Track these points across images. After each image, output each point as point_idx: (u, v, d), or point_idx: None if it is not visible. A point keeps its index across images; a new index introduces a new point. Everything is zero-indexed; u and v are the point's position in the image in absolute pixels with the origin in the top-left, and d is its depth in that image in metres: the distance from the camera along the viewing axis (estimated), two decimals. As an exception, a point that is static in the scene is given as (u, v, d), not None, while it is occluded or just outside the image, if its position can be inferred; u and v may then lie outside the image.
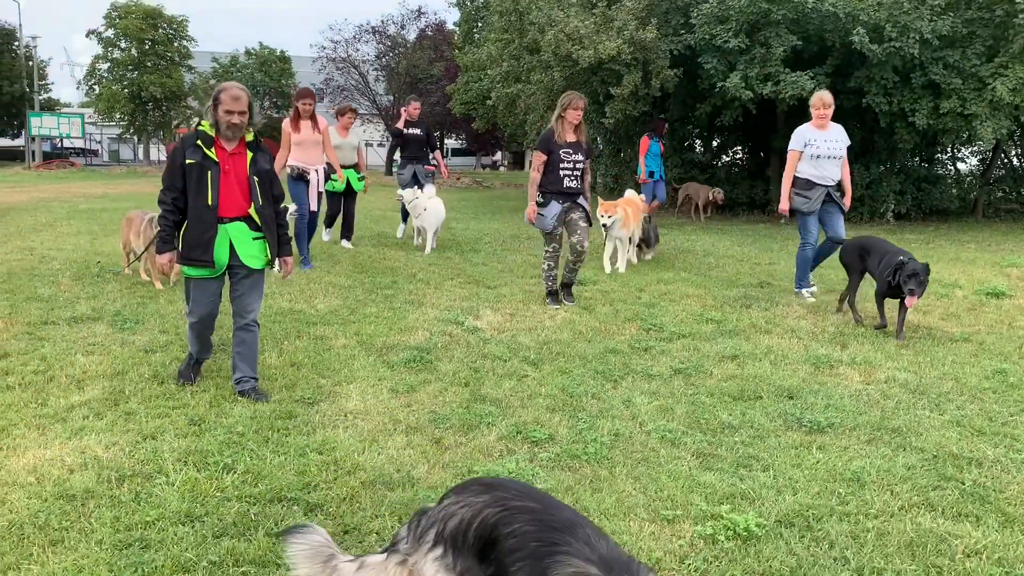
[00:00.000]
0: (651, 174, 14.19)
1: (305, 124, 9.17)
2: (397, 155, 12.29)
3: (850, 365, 5.96)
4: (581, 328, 6.99)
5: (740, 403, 5.10)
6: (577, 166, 7.44)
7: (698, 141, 21.96)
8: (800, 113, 16.97)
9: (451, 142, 51.96)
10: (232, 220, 4.86)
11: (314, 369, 5.56)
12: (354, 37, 40.56)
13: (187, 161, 4.76)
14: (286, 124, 9.22)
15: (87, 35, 45.35)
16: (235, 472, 3.88)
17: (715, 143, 21.69)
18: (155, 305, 7.37)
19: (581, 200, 7.55)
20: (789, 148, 8.30)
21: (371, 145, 53.77)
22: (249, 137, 4.90)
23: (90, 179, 31.55)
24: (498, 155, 58.87)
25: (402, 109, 12.10)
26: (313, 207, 9.31)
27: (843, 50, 15.29)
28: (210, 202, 4.75)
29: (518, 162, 56.79)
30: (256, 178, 4.86)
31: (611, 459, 4.19)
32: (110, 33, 44.72)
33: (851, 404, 5.10)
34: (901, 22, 14.16)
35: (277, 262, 5.08)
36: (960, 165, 23.01)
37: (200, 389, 5.09)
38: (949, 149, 21.08)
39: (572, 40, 15.90)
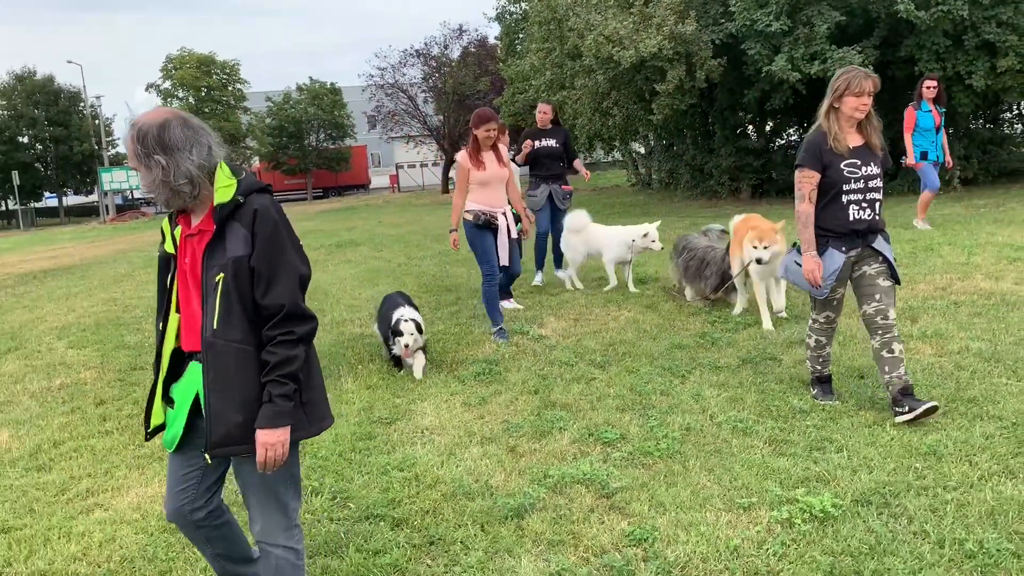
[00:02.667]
0: (923, 155, 11.24)
1: (488, 157, 6.92)
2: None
3: (921, 339, 5.88)
4: (646, 327, 7.04)
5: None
6: (871, 186, 4.54)
7: (750, 127, 21.72)
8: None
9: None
10: (197, 355, 2.66)
11: (389, 390, 5.76)
12: (400, 62, 41.21)
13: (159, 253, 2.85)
14: (463, 159, 6.92)
15: (147, 89, 47.25)
16: (322, 495, 4.07)
17: (768, 127, 21.41)
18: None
19: (880, 244, 4.60)
20: None
21: (426, 165, 54.64)
22: (222, 197, 2.59)
23: (162, 227, 32.70)
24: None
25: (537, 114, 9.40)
26: (504, 261, 7.05)
27: (889, 20, 15.00)
28: (161, 324, 2.77)
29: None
30: (220, 275, 2.54)
31: (683, 453, 4.26)
32: (168, 85, 46.47)
33: (924, 378, 5.05)
34: (948, -16, 13.84)
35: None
36: (1028, 123, 22.23)
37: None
38: (1014, 108, 20.40)
39: (612, 42, 15.94)
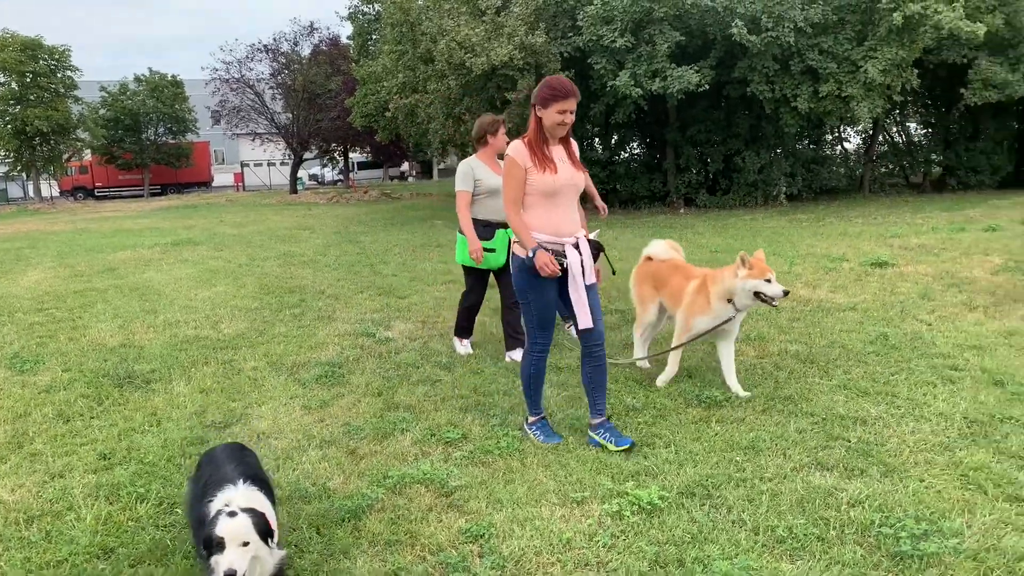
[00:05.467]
0: None
1: (559, 153, 4.35)
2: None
3: (745, 341, 6.26)
4: (493, 329, 7.13)
5: (643, 387, 5.33)
6: None
7: (596, 139, 22.44)
8: (689, 104, 17.58)
9: (356, 155, 51.56)
10: None
11: (224, 394, 5.54)
12: (247, 57, 39.79)
13: None
14: (519, 151, 4.26)
15: (-39, 71, 43.25)
16: (148, 501, 3.87)
17: (613, 140, 22.21)
18: (55, 344, 7.18)
19: None
20: None
21: (274, 164, 53.02)
22: None
23: (-24, 221, 30.12)
24: (405, 166, 58.68)
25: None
26: (585, 322, 4.33)
27: (725, 43, 15.91)
28: None
29: (426, 171, 56.76)
30: None
31: (523, 451, 4.34)
32: (-14, 67, 42.81)
33: (747, 377, 5.38)
34: (776, 12, 14.84)
35: None
36: (846, 145, 24.19)
37: (108, 423, 5.02)
38: (835, 130, 22.13)
39: (464, 48, 16.08)
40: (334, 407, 5.21)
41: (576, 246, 4.32)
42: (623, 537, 3.37)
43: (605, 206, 6.10)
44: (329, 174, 56.03)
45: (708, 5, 15.10)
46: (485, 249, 5.98)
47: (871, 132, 21.34)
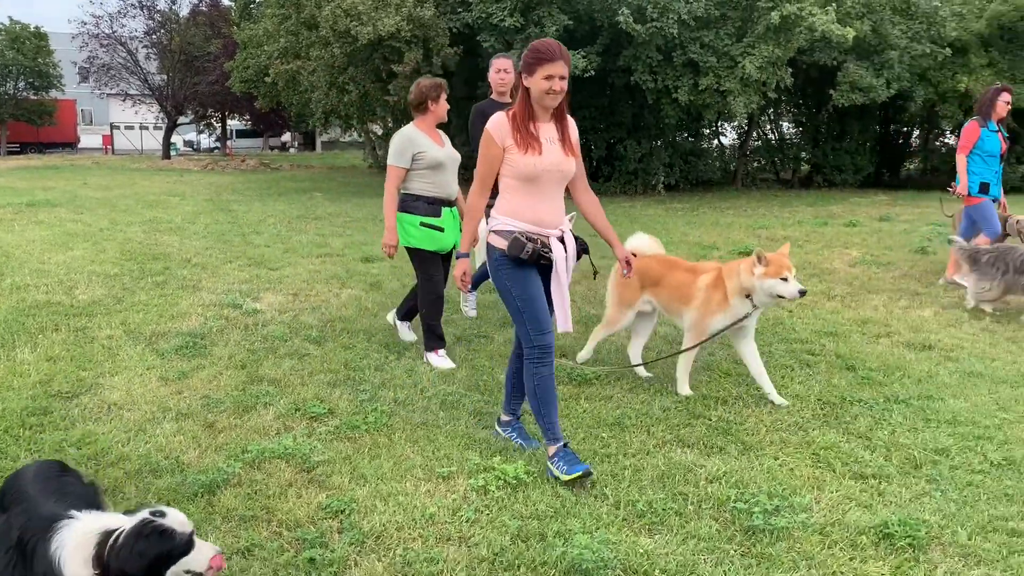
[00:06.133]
0: (984, 187, 7.85)
1: (547, 132, 3.78)
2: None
3: (618, 323, 6.36)
4: (368, 304, 6.99)
5: (516, 364, 5.32)
6: None
7: (484, 119, 22.39)
8: (576, 90, 17.72)
9: (235, 123, 49.63)
10: None
11: (73, 362, 5.20)
12: (119, 12, 37.62)
13: None
14: (498, 127, 3.73)
15: None
16: (-22, 475, 3.57)
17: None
18: None
19: None
20: None
21: (147, 128, 50.39)
22: None
23: None
24: (286, 136, 56.93)
25: (490, 76, 6.12)
26: (564, 324, 3.82)
27: (611, 30, 16.11)
28: None
29: (309, 143, 55.23)
30: None
31: (391, 426, 4.26)
32: None
33: (617, 358, 5.47)
34: (661, 3, 15.12)
35: None
36: (723, 139, 25.04)
37: (-63, 392, 4.62)
38: (712, 124, 22.86)
39: (350, 16, 15.68)
40: (193, 379, 4.97)
41: (562, 239, 3.80)
42: (487, 512, 3.34)
43: None
44: (205, 141, 53.78)
45: (597, -9, 15.27)
46: (433, 227, 5.34)
47: (746, 128, 22.17)
